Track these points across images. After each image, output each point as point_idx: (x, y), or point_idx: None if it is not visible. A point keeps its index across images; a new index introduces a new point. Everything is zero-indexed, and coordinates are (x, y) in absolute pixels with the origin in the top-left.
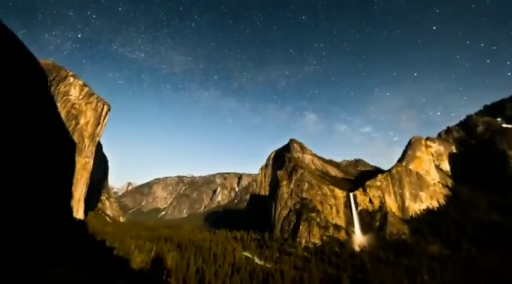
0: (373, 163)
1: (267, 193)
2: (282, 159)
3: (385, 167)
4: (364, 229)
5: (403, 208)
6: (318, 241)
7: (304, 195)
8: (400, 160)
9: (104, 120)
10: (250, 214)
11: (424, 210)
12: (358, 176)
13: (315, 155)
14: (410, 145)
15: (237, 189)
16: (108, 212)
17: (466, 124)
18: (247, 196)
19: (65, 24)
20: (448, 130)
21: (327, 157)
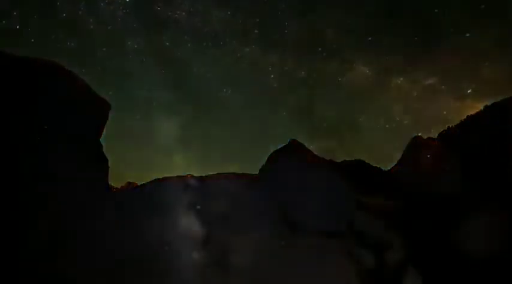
0: (373, 164)
1: None
2: (282, 160)
3: (385, 168)
4: None
5: None
6: None
7: None
8: (400, 161)
9: (104, 120)
10: None
11: None
12: (359, 177)
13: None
14: (410, 145)
15: None
16: None
17: (467, 125)
18: None
19: None
20: (449, 131)
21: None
